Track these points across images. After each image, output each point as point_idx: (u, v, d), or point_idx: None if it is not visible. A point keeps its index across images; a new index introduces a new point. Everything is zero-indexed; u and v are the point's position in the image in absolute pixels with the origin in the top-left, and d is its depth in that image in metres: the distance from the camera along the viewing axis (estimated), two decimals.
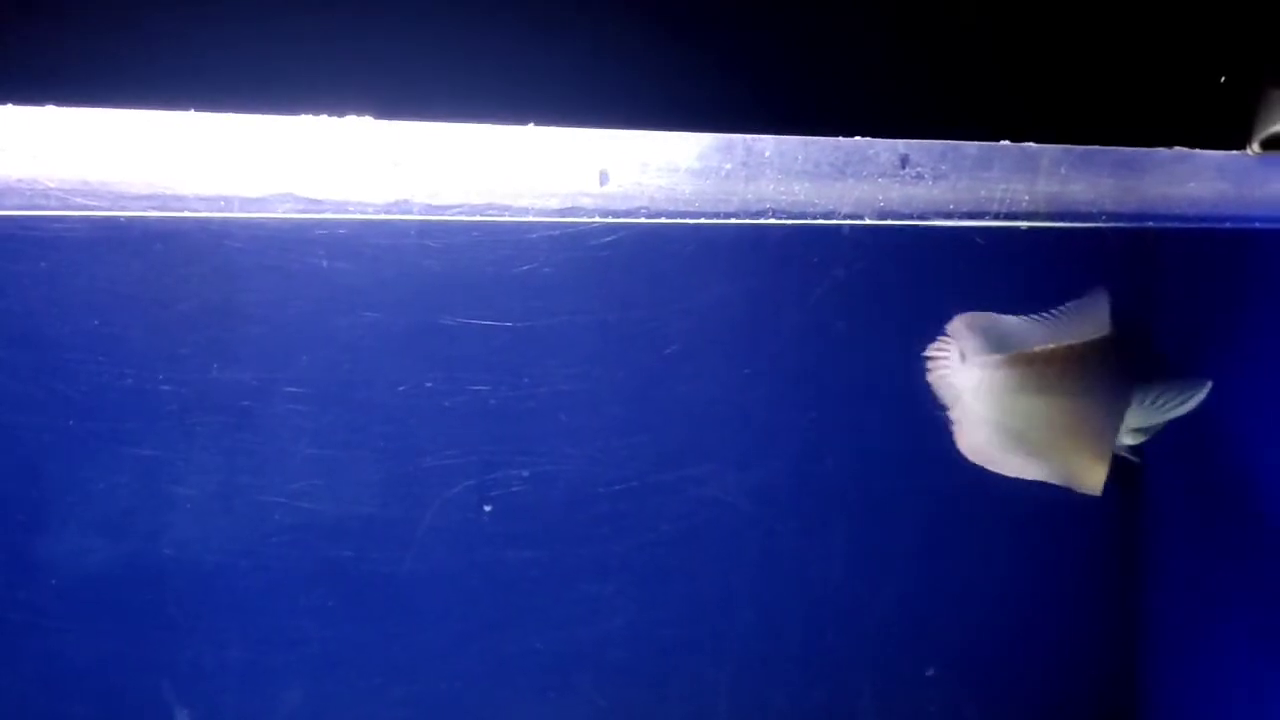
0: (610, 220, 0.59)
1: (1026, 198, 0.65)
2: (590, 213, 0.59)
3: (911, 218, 0.63)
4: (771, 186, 0.61)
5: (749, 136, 0.60)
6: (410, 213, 0.58)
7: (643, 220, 0.60)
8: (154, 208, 0.55)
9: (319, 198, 0.55)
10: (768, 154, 0.61)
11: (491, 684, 0.65)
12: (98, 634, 0.61)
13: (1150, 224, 0.67)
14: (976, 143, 0.63)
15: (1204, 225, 0.68)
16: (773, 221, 0.62)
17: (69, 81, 0.53)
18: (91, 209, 0.53)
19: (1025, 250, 0.67)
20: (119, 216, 0.54)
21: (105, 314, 0.56)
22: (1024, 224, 0.66)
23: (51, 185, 0.52)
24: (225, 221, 0.56)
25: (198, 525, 0.59)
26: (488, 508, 0.61)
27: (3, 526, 0.59)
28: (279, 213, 0.57)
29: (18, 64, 0.54)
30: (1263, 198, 0.67)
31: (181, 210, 0.55)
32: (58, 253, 0.55)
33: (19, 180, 0.52)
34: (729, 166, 0.61)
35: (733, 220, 0.61)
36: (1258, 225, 0.68)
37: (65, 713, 0.61)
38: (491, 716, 0.65)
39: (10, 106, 0.52)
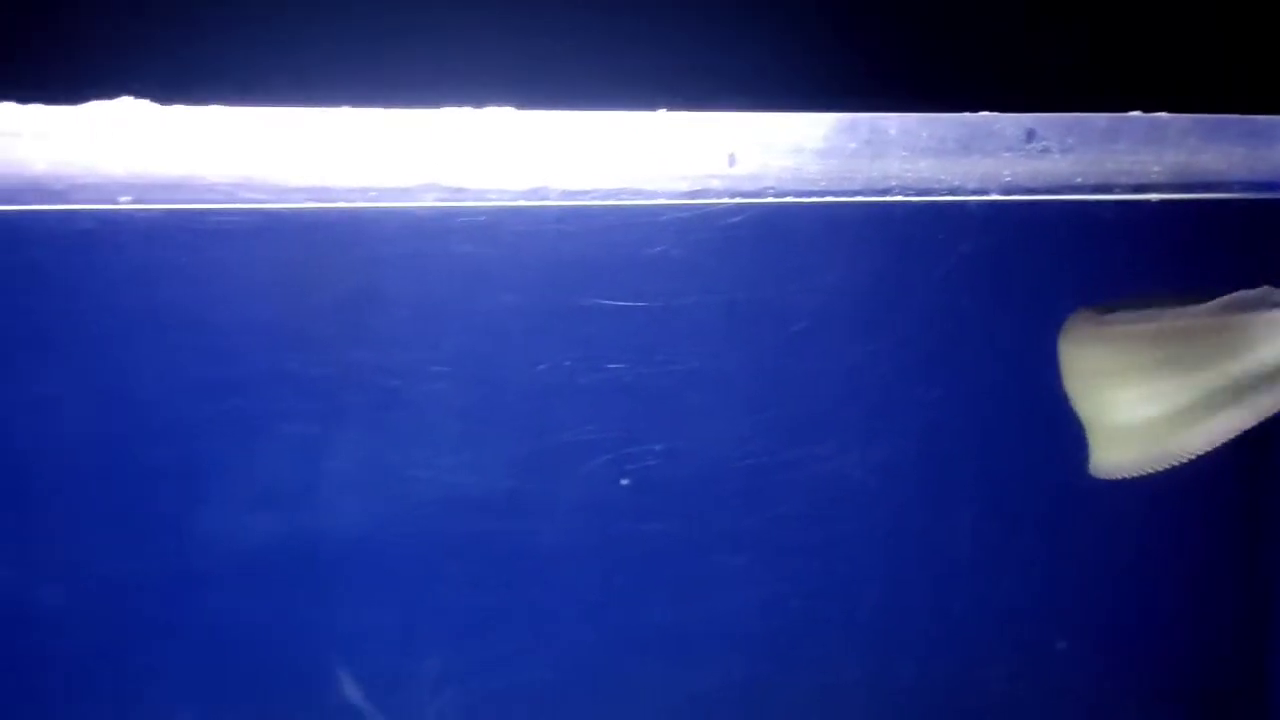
0: (738, 201, 0.61)
1: (1156, 169, 0.65)
2: (719, 194, 0.61)
3: (1038, 192, 0.64)
4: (896, 164, 0.62)
5: (873, 115, 0.61)
6: (548, 199, 0.61)
7: (770, 200, 0.61)
8: (309, 199, 0.58)
9: (462, 186, 0.58)
10: (892, 132, 0.62)
11: (626, 651, 0.67)
12: (257, 603, 0.65)
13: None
14: (1105, 115, 0.64)
15: None
16: (898, 199, 0.63)
17: (231, 82, 0.56)
18: (254, 202, 0.57)
19: (1155, 222, 0.67)
20: (279, 208, 0.58)
21: (265, 300, 0.60)
22: (1154, 196, 0.66)
23: (217, 180, 0.56)
24: (374, 211, 0.59)
25: (350, 498, 0.63)
26: (624, 481, 0.64)
27: (171, 502, 0.63)
28: (424, 201, 0.60)
29: (185, 66, 0.57)
30: None
31: (334, 201, 0.59)
32: (223, 243, 0.59)
33: (187, 176, 0.56)
34: (854, 145, 0.62)
35: (858, 198, 0.62)
36: None
37: (228, 675, 0.66)
38: (626, 682, 0.67)
39: (179, 107, 0.56)
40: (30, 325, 0.58)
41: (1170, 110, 0.63)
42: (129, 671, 0.64)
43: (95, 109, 0.54)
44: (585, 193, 0.59)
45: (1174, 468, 0.64)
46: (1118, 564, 0.75)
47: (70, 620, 0.61)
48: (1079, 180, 0.64)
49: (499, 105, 0.57)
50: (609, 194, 0.59)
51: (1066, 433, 0.70)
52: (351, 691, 0.64)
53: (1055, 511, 0.72)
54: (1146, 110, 0.63)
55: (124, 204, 0.55)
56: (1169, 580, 0.78)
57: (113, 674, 0.63)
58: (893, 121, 0.61)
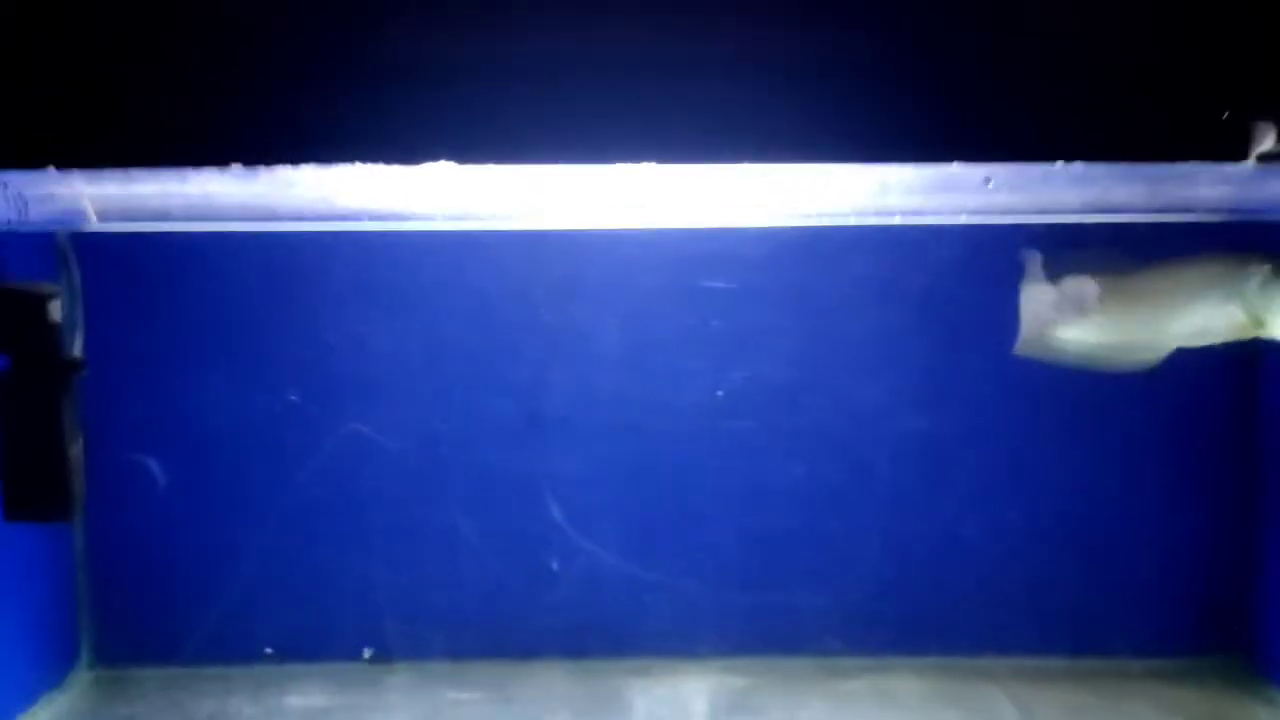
0: (793, 224, 0.96)
1: (1077, 202, 0.93)
2: (779, 219, 0.96)
3: (992, 216, 0.90)
4: (897, 198, 0.91)
5: (882, 166, 0.91)
6: (672, 225, 0.98)
7: (837, 223, 0.95)
8: (528, 224, 0.98)
9: (621, 223, 0.97)
10: (893, 180, 0.92)
11: (715, 493, 1.07)
12: (501, 455, 1.09)
13: (1171, 217, 0.92)
14: (1039, 164, 0.86)
15: (1215, 219, 0.94)
16: (899, 221, 0.94)
17: (495, 151, 0.93)
18: (506, 222, 0.97)
19: (1073, 238, 0.98)
20: (519, 229, 0.98)
21: (511, 276, 1.02)
22: (1072, 219, 0.94)
23: (487, 211, 0.95)
24: (575, 231, 0.99)
25: (561, 382, 1.06)
26: (719, 392, 1.02)
27: (465, 387, 1.07)
28: (602, 225, 0.99)
29: (472, 143, 0.93)
30: (1262, 197, 0.91)
31: (547, 224, 0.98)
32: (487, 249, 1.01)
33: (473, 208, 0.95)
34: (869, 186, 0.93)
35: (873, 220, 0.94)
36: (1259, 218, 0.93)
37: (480, 495, 1.10)
38: (713, 512, 1.08)
39: (471, 166, 0.93)
40: (382, 288, 1.03)
41: (1086, 160, 0.86)
42: (424, 488, 1.08)
43: (425, 168, 0.87)
44: (692, 225, 0.96)
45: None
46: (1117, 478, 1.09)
47: (396, 455, 1.06)
48: (1021, 208, 0.91)
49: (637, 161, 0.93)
50: (703, 225, 0.96)
51: (1038, 371, 1.03)
52: (556, 512, 1.07)
53: (1020, 424, 1.06)
54: (1069, 161, 0.86)
55: (439, 224, 0.95)
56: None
57: (414, 488, 1.08)
58: (893, 171, 0.93)
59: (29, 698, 1.09)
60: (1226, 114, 0.87)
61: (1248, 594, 1.18)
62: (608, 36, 0.88)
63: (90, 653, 1.19)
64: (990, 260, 1.02)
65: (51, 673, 1.13)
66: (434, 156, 0.87)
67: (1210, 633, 1.19)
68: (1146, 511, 1.14)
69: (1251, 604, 1.18)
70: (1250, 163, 0.88)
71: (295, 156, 0.89)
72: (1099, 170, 0.89)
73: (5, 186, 0.92)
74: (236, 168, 0.88)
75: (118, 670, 1.18)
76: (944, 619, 1.13)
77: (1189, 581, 1.18)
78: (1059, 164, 0.87)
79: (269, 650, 1.12)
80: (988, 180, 0.91)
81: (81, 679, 1.16)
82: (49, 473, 1.03)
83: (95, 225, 0.94)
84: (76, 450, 1.04)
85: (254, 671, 1.17)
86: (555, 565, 1.09)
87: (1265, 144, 0.87)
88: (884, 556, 1.11)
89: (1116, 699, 1.14)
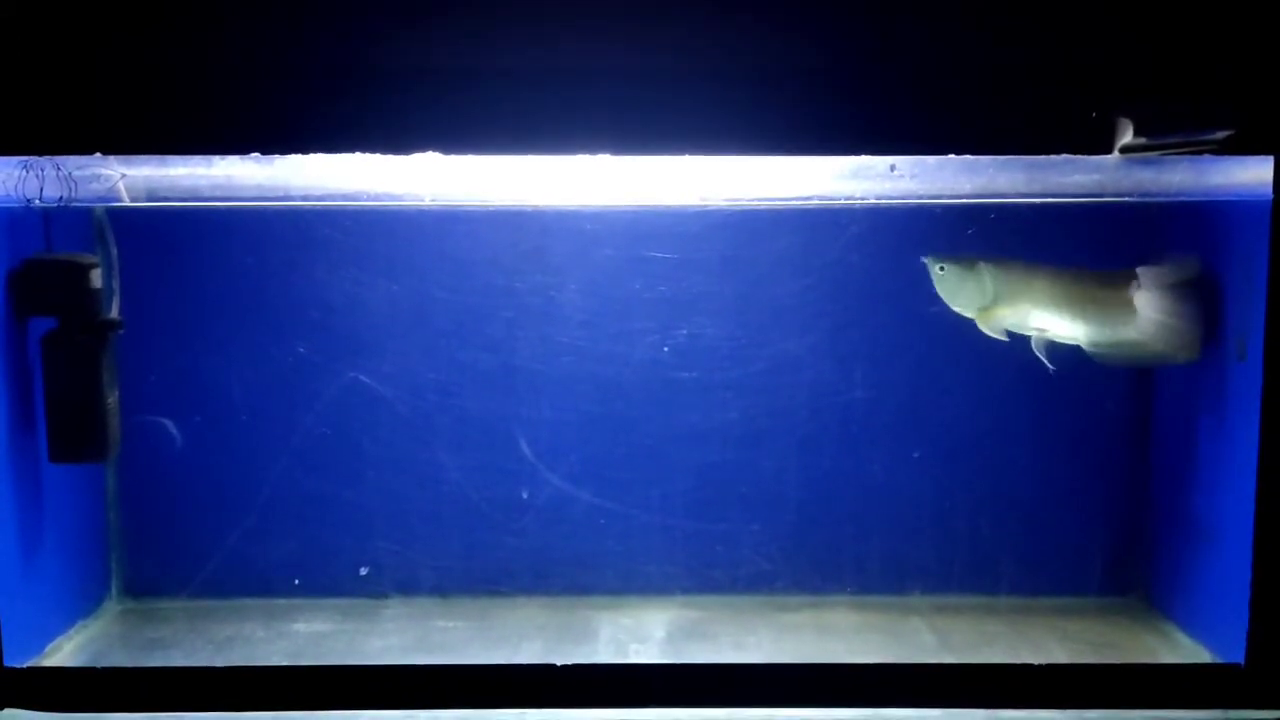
0: (750, 205, 1.11)
1: (968, 187, 1.04)
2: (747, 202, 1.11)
3: (896, 199, 1.04)
4: (821, 183, 1.05)
5: (805, 158, 1.03)
6: (637, 205, 1.14)
7: (745, 205, 1.10)
8: (510, 202, 1.13)
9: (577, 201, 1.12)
10: (817, 167, 1.04)
11: (667, 428, 1.22)
12: (484, 402, 1.25)
13: (1051, 200, 1.04)
14: (935, 156, 1.00)
15: (1084, 201, 1.05)
16: (815, 203, 1.06)
17: (475, 141, 1.07)
18: (481, 204, 1.12)
19: (965, 217, 1.14)
20: (497, 206, 1.14)
21: (490, 246, 1.18)
22: (964, 201, 1.08)
23: (467, 193, 1.10)
24: (548, 209, 1.15)
25: (538, 339, 1.21)
26: (666, 348, 1.18)
27: (460, 343, 1.22)
28: (578, 204, 1.14)
29: (454, 134, 1.08)
30: (1126, 184, 1.04)
31: (519, 204, 1.14)
32: (467, 223, 1.16)
33: (458, 191, 1.09)
34: (800, 174, 1.09)
35: (801, 202, 1.06)
36: (1121, 200, 1.04)
37: (461, 437, 1.25)
38: (664, 447, 1.23)
39: (454, 156, 1.07)
40: (378, 257, 1.18)
41: (975, 153, 1.00)
42: (413, 429, 1.24)
43: (415, 157, 1.00)
44: (641, 205, 1.12)
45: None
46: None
47: (389, 401, 1.22)
48: (920, 192, 1.04)
49: (599, 153, 1.07)
50: (650, 205, 1.11)
51: (953, 340, 1.18)
52: (526, 449, 1.23)
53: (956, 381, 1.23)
54: (959, 153, 1.00)
55: (428, 203, 1.10)
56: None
57: (405, 429, 1.24)
58: (817, 161, 1.04)
59: (65, 625, 1.21)
60: (1094, 112, 1.01)
61: (1146, 541, 1.29)
62: (570, 50, 1.03)
63: (120, 584, 1.29)
64: (890, 236, 1.19)
65: (85, 602, 1.25)
66: (423, 147, 1.01)
67: (1114, 576, 1.31)
68: (1049, 463, 1.28)
69: (1149, 550, 1.29)
70: (1114, 154, 1.01)
71: (305, 146, 1.03)
72: (985, 160, 1.03)
73: (58, 169, 1.06)
74: (255, 154, 1.04)
75: (145, 601, 1.29)
76: (861, 548, 1.30)
77: (1096, 530, 1.31)
78: (951, 155, 1.02)
79: (296, 581, 1.27)
80: (893, 168, 1.05)
81: (111, 608, 1.29)
82: (89, 419, 1.14)
83: (130, 202, 1.07)
84: (113, 400, 1.16)
85: (266, 603, 1.30)
86: (525, 494, 1.26)
87: (1126, 138, 1.00)
88: (805, 490, 1.28)
89: (1024, 629, 1.26)
